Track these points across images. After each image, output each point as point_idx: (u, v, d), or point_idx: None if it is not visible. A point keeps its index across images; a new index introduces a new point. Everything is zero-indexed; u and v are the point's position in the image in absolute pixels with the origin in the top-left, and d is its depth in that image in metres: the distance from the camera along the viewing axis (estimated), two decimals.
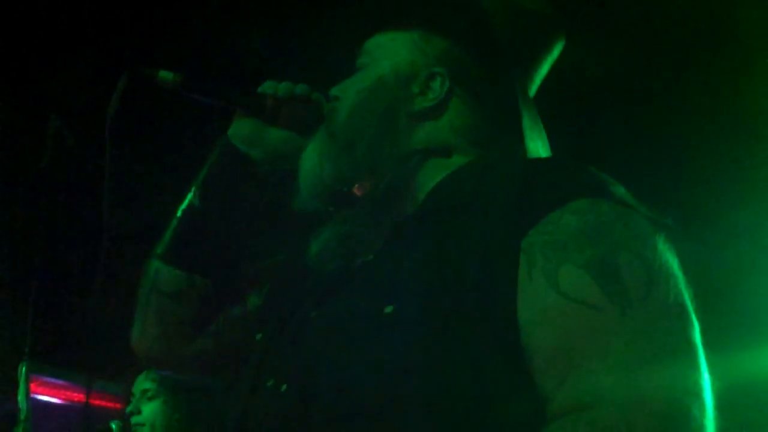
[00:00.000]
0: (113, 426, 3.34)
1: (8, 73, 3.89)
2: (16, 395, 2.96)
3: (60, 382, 5.58)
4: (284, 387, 1.33)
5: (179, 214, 1.62)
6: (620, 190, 1.29)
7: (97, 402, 5.12)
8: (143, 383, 3.48)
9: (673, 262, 1.23)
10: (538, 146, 1.52)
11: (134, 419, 3.43)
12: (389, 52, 1.55)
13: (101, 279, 1.42)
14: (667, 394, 1.12)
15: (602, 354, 1.14)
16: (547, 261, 1.20)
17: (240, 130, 1.60)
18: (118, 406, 3.63)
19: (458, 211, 1.34)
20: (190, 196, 1.62)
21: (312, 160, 1.51)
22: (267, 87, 1.58)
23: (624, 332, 1.15)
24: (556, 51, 1.64)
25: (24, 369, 2.94)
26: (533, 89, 1.62)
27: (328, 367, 1.29)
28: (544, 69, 1.63)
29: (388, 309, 1.26)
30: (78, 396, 5.47)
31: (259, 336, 1.52)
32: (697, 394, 1.13)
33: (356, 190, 1.51)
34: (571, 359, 1.15)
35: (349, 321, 1.33)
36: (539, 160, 1.45)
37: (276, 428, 1.32)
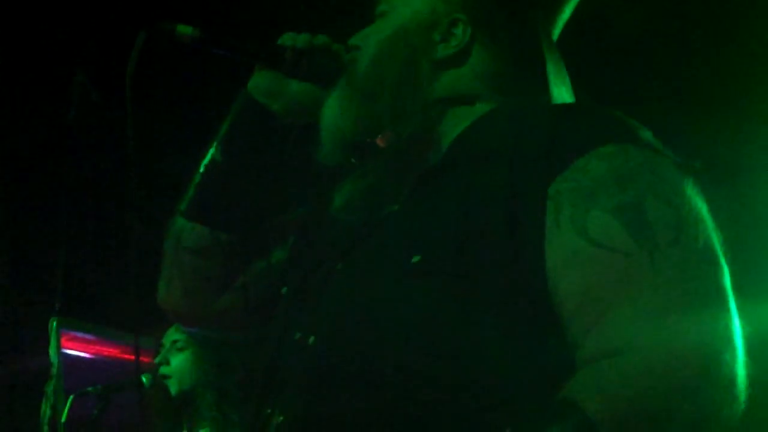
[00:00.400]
0: (144, 379, 3.37)
1: (32, 27, 3.89)
2: (47, 350, 3.00)
3: (89, 336, 5.64)
4: (312, 339, 1.33)
5: (201, 170, 1.61)
6: (648, 135, 1.28)
7: (127, 356, 5.17)
8: (173, 334, 3.51)
9: (702, 207, 1.22)
10: (562, 92, 1.50)
11: (162, 370, 3.46)
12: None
13: (134, 238, 1.42)
14: (698, 338, 1.11)
15: (631, 299, 1.14)
16: (574, 207, 1.20)
17: (260, 83, 1.59)
18: (148, 360, 3.66)
19: (484, 160, 1.32)
20: (212, 151, 1.61)
21: (333, 110, 1.49)
22: (286, 39, 1.56)
23: (653, 277, 1.14)
24: None
25: (54, 324, 2.97)
26: (556, 33, 1.59)
27: (356, 318, 1.29)
28: (567, 11, 1.60)
29: (416, 258, 1.25)
30: (107, 350, 5.53)
31: (284, 289, 1.52)
32: (728, 339, 1.12)
33: (379, 141, 1.50)
34: (599, 305, 1.15)
35: (375, 271, 1.33)
36: (565, 105, 1.44)
37: (305, 380, 1.32)
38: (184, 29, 1.52)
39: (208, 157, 1.61)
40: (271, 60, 1.57)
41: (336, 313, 1.33)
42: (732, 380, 1.11)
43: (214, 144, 1.61)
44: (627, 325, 1.13)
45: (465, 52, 1.48)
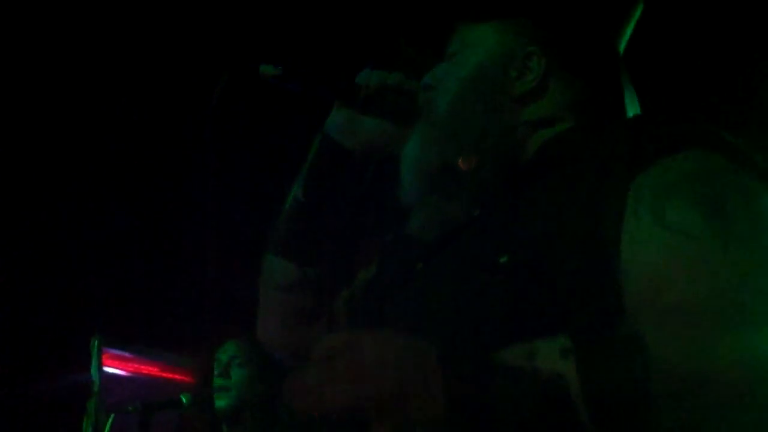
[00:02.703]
0: (183, 399, 3.41)
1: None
2: (89, 368, 3.05)
3: (129, 355, 5.70)
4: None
5: (286, 207, 1.66)
6: (734, 143, 1.28)
7: (167, 375, 5.22)
8: (231, 349, 3.53)
9: None
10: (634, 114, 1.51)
11: (220, 382, 3.48)
12: (480, 37, 1.52)
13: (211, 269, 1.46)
14: (756, 332, 1.10)
15: (697, 281, 1.13)
16: (655, 198, 1.20)
17: (335, 120, 1.62)
18: (188, 379, 3.70)
19: (568, 164, 1.34)
20: (295, 189, 1.66)
21: (414, 151, 1.51)
22: (362, 77, 1.59)
23: (723, 263, 1.14)
24: (640, 7, 1.60)
25: (96, 343, 3.01)
26: (622, 47, 1.58)
27: (441, 315, 1.31)
28: (629, 29, 1.60)
29: (503, 258, 1.26)
30: (145, 368, 5.59)
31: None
32: None
33: (461, 164, 1.50)
34: (666, 283, 1.15)
35: (462, 270, 1.34)
36: (650, 112, 1.45)
37: None
38: (266, 68, 1.55)
39: (291, 195, 1.66)
40: (346, 98, 1.60)
41: (421, 310, 1.35)
42: None
43: (297, 182, 1.66)
44: (692, 298, 1.12)
45: (543, 84, 1.47)
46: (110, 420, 3.20)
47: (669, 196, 1.20)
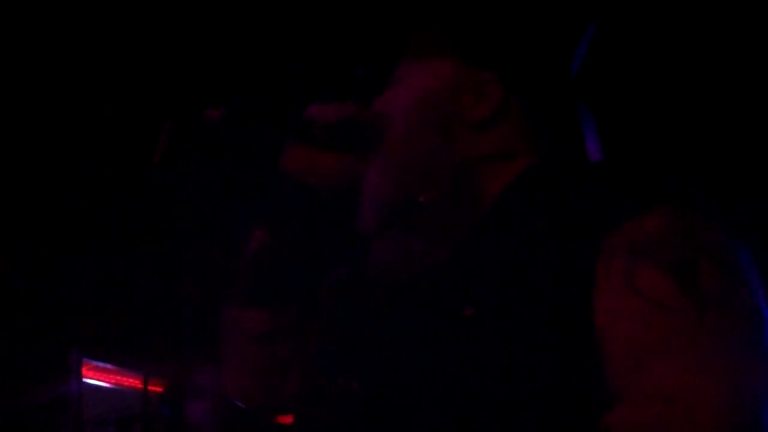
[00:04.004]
0: (162, 410, 3.39)
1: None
2: (68, 379, 3.03)
3: (109, 366, 5.66)
4: (355, 385, 1.33)
5: (253, 255, 1.58)
6: (705, 196, 1.27)
7: (152, 387, 5.19)
8: None
9: (754, 272, 1.22)
10: (593, 140, 1.51)
11: None
12: (432, 58, 1.50)
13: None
14: (740, 401, 1.10)
15: (676, 355, 1.13)
16: (626, 262, 1.18)
17: (293, 160, 1.56)
18: (161, 390, 3.69)
19: (533, 214, 1.31)
20: (255, 232, 1.59)
21: (372, 181, 1.48)
22: (314, 112, 1.54)
23: (700, 336, 1.13)
24: (594, 31, 1.59)
25: (75, 354, 3.01)
26: (574, 69, 1.57)
27: (406, 367, 1.28)
28: (582, 47, 1.59)
29: (468, 311, 1.24)
30: (127, 380, 5.55)
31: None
32: None
33: (421, 198, 1.47)
34: (643, 359, 1.14)
35: (425, 322, 1.31)
36: (620, 162, 1.40)
37: (348, 427, 1.31)
38: (211, 113, 1.50)
39: (254, 240, 1.58)
40: (301, 136, 1.55)
41: (384, 361, 1.32)
42: None
43: (258, 226, 1.59)
44: (672, 375, 1.12)
45: (501, 112, 1.45)
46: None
47: (639, 261, 1.18)
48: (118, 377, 5.48)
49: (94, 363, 5.39)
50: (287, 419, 1.63)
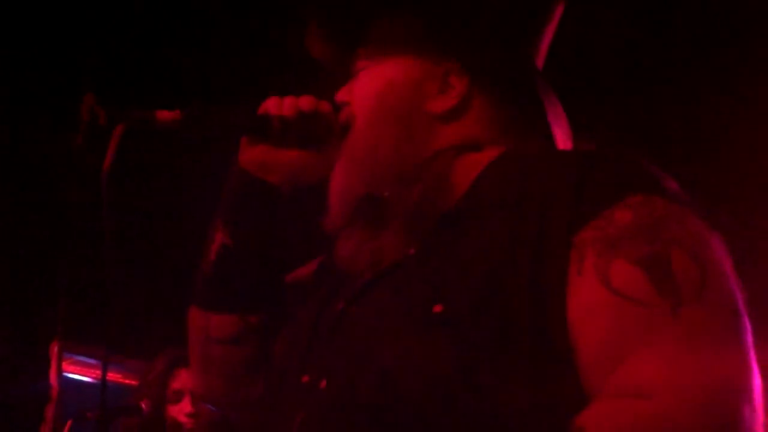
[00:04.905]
0: (143, 405, 3.36)
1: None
2: (48, 374, 2.99)
3: (91, 361, 5.63)
4: (323, 383, 1.30)
5: (213, 257, 1.54)
6: (674, 186, 1.26)
7: (129, 381, 5.17)
8: None
9: (727, 261, 1.20)
10: (561, 130, 1.48)
11: None
12: (392, 48, 1.46)
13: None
14: (717, 392, 1.09)
15: (652, 349, 1.11)
16: (598, 256, 1.17)
17: (252, 156, 1.52)
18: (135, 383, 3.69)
19: (504, 207, 1.28)
20: (216, 233, 1.54)
21: (338, 176, 1.45)
22: (271, 106, 1.50)
23: (674, 330, 1.12)
24: (557, 15, 1.55)
25: (56, 348, 2.96)
26: (541, 61, 1.54)
27: (374, 365, 1.25)
28: (548, 36, 1.55)
29: (437, 308, 1.22)
30: (109, 375, 5.52)
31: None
32: (748, 395, 1.10)
33: (386, 192, 1.44)
34: (618, 355, 1.13)
35: (394, 318, 1.28)
36: (589, 152, 1.38)
37: (316, 425, 1.28)
38: (164, 114, 1.45)
39: (216, 242, 1.54)
40: (258, 133, 1.51)
41: (352, 358, 1.29)
42: None
43: (219, 227, 1.54)
44: (647, 370, 1.10)
45: (466, 101, 1.43)
46: (68, 427, 3.15)
47: (611, 256, 1.16)
48: (100, 372, 5.45)
49: (78, 357, 5.35)
50: None
